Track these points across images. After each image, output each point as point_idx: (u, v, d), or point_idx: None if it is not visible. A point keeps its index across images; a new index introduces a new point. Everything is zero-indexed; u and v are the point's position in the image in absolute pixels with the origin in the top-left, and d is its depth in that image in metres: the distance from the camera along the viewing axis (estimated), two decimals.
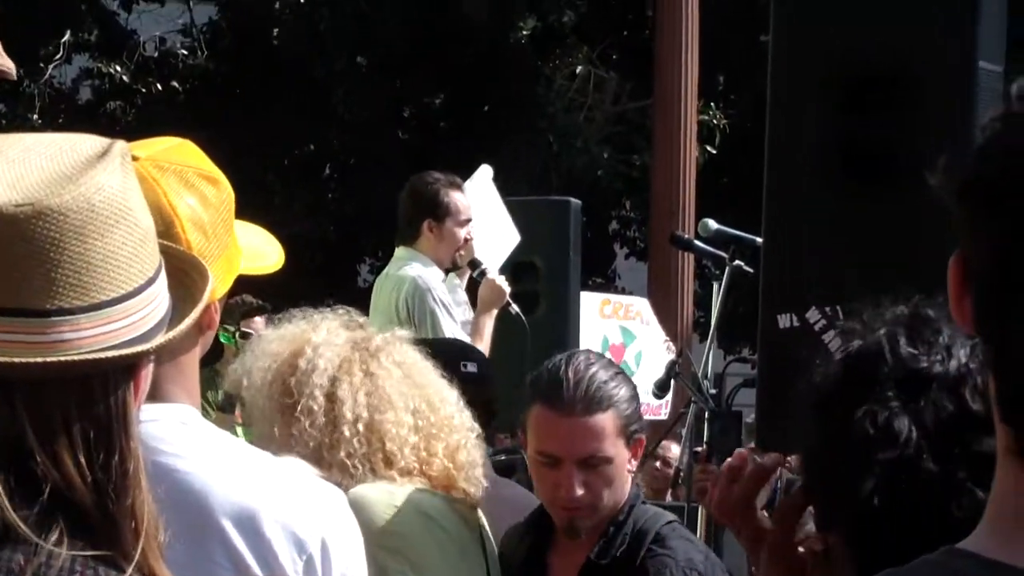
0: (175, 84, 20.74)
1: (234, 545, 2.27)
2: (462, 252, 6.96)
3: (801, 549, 1.98)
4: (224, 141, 14.75)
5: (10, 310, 1.59)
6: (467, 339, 6.43)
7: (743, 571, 4.74)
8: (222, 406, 7.14)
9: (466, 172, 7.47)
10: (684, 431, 7.64)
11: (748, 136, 17.85)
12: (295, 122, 19.02)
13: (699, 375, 7.28)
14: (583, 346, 8.37)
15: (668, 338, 10.64)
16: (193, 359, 2.40)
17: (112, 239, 1.63)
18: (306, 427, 3.40)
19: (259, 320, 7.82)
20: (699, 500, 6.64)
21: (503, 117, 18.98)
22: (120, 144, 1.69)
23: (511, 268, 7.52)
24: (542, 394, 3.67)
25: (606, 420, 3.63)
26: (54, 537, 1.58)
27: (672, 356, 8.90)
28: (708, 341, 7.43)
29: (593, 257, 18.34)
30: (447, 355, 3.88)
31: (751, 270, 6.81)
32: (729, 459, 2.12)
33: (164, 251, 1.75)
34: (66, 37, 19.94)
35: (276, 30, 19.65)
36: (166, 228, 2.26)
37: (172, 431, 2.32)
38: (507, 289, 6.96)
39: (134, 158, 2.25)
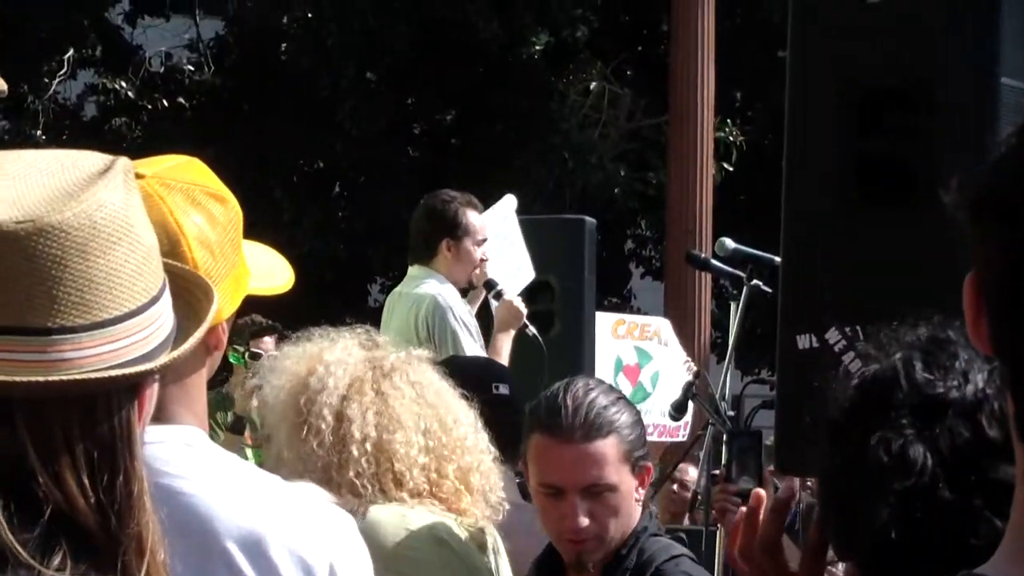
0: (181, 100, 20.62)
1: (240, 569, 2.25)
2: (478, 272, 6.94)
3: None
4: (231, 158, 14.77)
5: (11, 328, 1.57)
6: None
7: None
8: (232, 427, 7.13)
9: (477, 189, 7.45)
10: (702, 454, 7.60)
11: (765, 153, 17.83)
12: (303, 138, 18.93)
13: (717, 397, 7.23)
14: (596, 367, 8.34)
15: (688, 359, 10.58)
16: (200, 380, 2.38)
17: (115, 256, 1.61)
18: (314, 446, 3.40)
19: (268, 340, 7.83)
20: (719, 521, 6.59)
21: (515, 133, 18.89)
22: (123, 160, 1.68)
23: (526, 288, 7.50)
24: (541, 422, 3.57)
25: (608, 446, 3.53)
26: (56, 561, 1.56)
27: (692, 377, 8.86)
28: (726, 362, 7.38)
29: (608, 276, 18.29)
30: (481, 374, 3.85)
31: (769, 290, 6.76)
32: (743, 506, 2.08)
33: (169, 270, 1.73)
34: (70, 52, 19.83)
35: (284, 45, 19.53)
36: (172, 247, 2.25)
37: (177, 453, 2.30)
38: (524, 310, 6.94)
39: (140, 176, 2.24)
